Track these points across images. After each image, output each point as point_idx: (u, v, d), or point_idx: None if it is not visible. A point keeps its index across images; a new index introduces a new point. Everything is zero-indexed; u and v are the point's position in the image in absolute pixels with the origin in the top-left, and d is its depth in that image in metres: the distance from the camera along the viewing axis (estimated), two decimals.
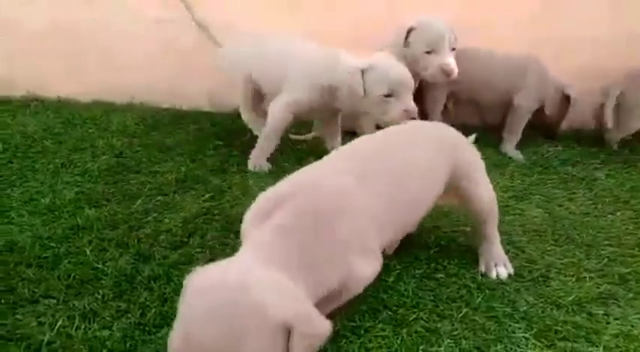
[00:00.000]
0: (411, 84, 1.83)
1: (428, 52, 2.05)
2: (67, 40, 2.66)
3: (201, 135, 2.34)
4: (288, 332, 0.78)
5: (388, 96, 1.77)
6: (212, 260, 1.31)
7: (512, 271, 1.40)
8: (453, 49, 2.06)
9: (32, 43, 2.67)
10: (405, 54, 2.04)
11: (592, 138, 2.51)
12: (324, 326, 0.83)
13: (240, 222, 1.50)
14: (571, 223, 1.71)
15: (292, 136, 2.31)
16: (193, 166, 2.00)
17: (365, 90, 1.78)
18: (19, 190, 1.73)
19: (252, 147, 2.05)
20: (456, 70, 2.02)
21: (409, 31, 2.07)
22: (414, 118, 1.76)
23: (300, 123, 2.22)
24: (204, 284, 0.82)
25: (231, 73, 2.20)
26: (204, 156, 2.11)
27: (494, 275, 1.38)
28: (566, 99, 2.36)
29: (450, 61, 2.03)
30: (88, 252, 1.38)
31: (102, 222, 1.54)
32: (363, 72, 1.78)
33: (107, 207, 1.64)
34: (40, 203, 1.65)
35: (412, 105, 1.79)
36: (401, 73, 1.80)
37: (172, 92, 2.67)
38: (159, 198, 1.73)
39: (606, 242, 1.60)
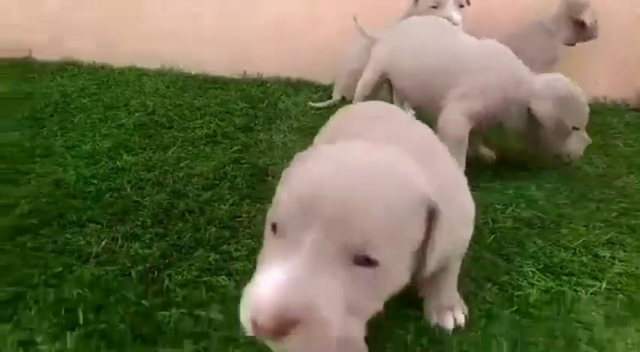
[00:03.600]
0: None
1: (434, 7, 2.10)
2: (101, 8, 2.78)
3: (229, 98, 2.44)
4: (427, 214, 0.69)
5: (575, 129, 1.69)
6: (242, 199, 1.43)
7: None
8: (462, 6, 2.09)
9: (67, 12, 2.79)
10: (416, 13, 2.10)
11: (613, 111, 2.54)
12: None
13: (267, 171, 1.61)
14: (585, 182, 1.77)
15: (313, 103, 2.39)
16: (222, 124, 2.10)
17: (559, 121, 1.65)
18: (61, 139, 1.86)
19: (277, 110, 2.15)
20: (458, 23, 2.05)
21: None
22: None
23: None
24: (326, 151, 0.71)
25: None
26: (231, 115, 2.21)
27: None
28: None
29: (453, 15, 2.07)
30: (128, 189, 1.50)
31: (139, 166, 1.66)
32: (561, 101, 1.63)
33: (143, 154, 1.75)
34: (81, 149, 1.77)
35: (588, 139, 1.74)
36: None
37: (200, 61, 2.77)
38: (190, 149, 1.83)
39: (618, 199, 1.65)
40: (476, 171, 1.77)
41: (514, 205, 1.56)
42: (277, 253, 0.63)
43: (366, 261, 0.62)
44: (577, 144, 1.73)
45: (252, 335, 0.61)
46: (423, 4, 2.12)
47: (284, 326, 0.57)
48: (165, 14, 2.82)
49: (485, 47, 1.72)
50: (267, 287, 0.58)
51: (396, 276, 0.68)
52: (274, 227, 0.67)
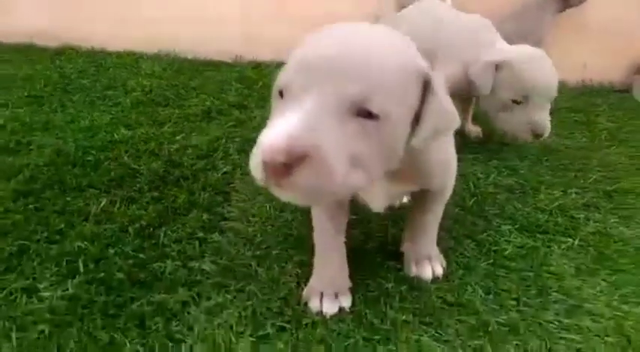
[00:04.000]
0: (553, 93, 1.55)
1: None
2: None
3: (223, 79, 2.49)
4: (421, 87, 0.74)
5: (515, 102, 1.54)
6: (234, 169, 1.49)
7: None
8: None
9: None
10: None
11: (598, 92, 2.61)
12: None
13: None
14: (566, 154, 1.83)
15: None
16: (217, 102, 2.16)
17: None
18: (60, 115, 1.92)
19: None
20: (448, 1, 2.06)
21: None
22: (539, 136, 1.55)
23: None
24: (328, 29, 0.74)
25: None
26: (226, 95, 2.27)
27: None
28: None
29: None
30: (125, 158, 1.56)
31: (135, 139, 1.72)
32: (496, 67, 1.54)
33: (140, 129, 1.81)
34: (80, 124, 1.83)
35: (544, 121, 1.53)
36: (545, 76, 1.52)
37: (196, 45, 2.82)
38: (185, 123, 1.89)
39: (597, 168, 1.71)
40: (461, 144, 1.84)
41: (496, 173, 1.63)
42: (284, 110, 0.67)
43: (367, 114, 0.67)
44: (519, 122, 1.55)
45: (262, 183, 0.66)
46: None
47: (291, 160, 0.61)
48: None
49: (457, 23, 1.75)
50: (276, 131, 0.63)
51: (396, 133, 0.72)
52: (281, 93, 0.71)
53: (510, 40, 2.26)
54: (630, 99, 2.55)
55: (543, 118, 1.54)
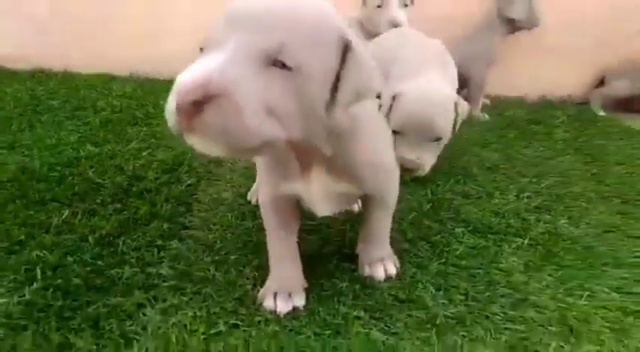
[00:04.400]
0: (427, 132, 1.49)
1: (379, 7, 2.19)
2: (70, 19, 2.88)
3: None
4: (341, 50, 0.76)
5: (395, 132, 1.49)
6: (198, 181, 1.53)
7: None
8: (406, 5, 2.21)
9: (37, 23, 2.89)
10: (365, 15, 2.24)
11: (558, 106, 2.72)
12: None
13: (225, 159, 1.71)
14: (523, 162, 1.91)
15: None
16: None
17: None
18: (28, 134, 1.94)
19: None
20: (402, 23, 2.13)
21: None
22: (408, 170, 1.51)
23: None
24: None
25: None
26: None
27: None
28: None
29: (396, 14, 2.14)
30: (90, 173, 1.59)
31: (102, 155, 1.75)
32: (394, 98, 1.52)
33: (106, 146, 1.84)
34: (46, 142, 1.85)
35: (412, 156, 1.50)
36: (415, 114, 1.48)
37: (168, 66, 2.87)
38: (153, 140, 1.93)
39: (551, 175, 1.79)
40: None
41: (453, 181, 1.68)
42: (201, 57, 0.69)
43: (281, 65, 0.69)
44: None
45: (176, 130, 0.67)
46: (370, 4, 2.24)
47: (202, 98, 0.63)
48: (135, 19, 2.92)
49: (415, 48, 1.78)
50: (189, 73, 0.65)
51: (311, 89, 0.73)
52: (201, 50, 0.73)
53: (465, 62, 2.38)
54: (588, 111, 2.66)
55: (411, 155, 1.49)
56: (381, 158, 1.04)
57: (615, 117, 2.52)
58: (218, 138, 0.66)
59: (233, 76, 0.65)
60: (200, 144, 0.68)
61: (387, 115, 1.51)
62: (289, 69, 0.70)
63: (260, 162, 1.05)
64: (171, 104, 0.66)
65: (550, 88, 2.89)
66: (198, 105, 0.63)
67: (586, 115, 2.57)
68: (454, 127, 1.52)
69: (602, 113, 2.60)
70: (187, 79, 0.64)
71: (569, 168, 1.86)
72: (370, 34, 2.16)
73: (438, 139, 1.49)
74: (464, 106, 1.52)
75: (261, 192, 1.07)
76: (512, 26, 2.47)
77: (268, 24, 0.69)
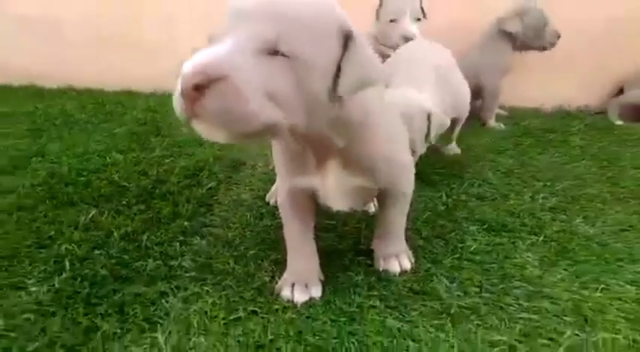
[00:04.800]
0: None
1: (392, 21, 2.25)
2: (98, 38, 3.02)
3: None
4: (343, 40, 0.79)
5: None
6: (218, 184, 1.58)
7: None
8: (418, 19, 2.26)
9: (68, 42, 3.04)
10: (379, 30, 2.30)
11: (576, 115, 2.72)
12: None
13: (244, 163, 1.77)
14: (538, 167, 1.92)
15: None
16: None
17: None
18: (57, 144, 2.02)
19: None
20: (414, 36, 2.18)
21: (379, 7, 2.32)
22: None
23: None
24: None
25: None
26: None
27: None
28: None
29: (409, 29, 2.20)
30: (116, 178, 1.65)
31: (127, 162, 1.82)
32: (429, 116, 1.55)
33: (131, 154, 1.92)
34: (75, 151, 1.93)
35: None
36: None
37: None
38: (175, 149, 2.00)
39: (566, 178, 1.79)
40: (438, 159, 1.94)
41: (467, 184, 1.71)
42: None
43: (281, 53, 0.73)
44: None
45: (180, 116, 0.71)
46: (383, 19, 2.31)
47: (204, 81, 0.67)
48: (160, 38, 3.05)
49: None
50: (193, 60, 0.69)
51: (312, 76, 0.76)
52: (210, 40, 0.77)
53: (478, 71, 2.42)
54: (605, 120, 2.65)
55: None
56: (395, 152, 1.08)
57: (632, 126, 2.51)
58: (220, 121, 0.70)
59: (233, 62, 0.69)
60: (205, 130, 0.72)
61: None
62: (287, 57, 0.73)
63: (278, 157, 1.10)
64: (176, 93, 0.70)
65: (567, 98, 2.90)
66: (200, 89, 0.67)
67: (603, 124, 2.57)
68: (426, 138, 1.54)
69: (619, 122, 2.60)
70: (190, 65, 0.68)
71: (584, 172, 1.86)
72: (384, 48, 2.21)
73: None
74: (438, 118, 1.55)
75: (280, 186, 1.12)
76: (514, 42, 2.48)
77: (268, 15, 0.73)
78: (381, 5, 2.33)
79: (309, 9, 0.77)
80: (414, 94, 1.57)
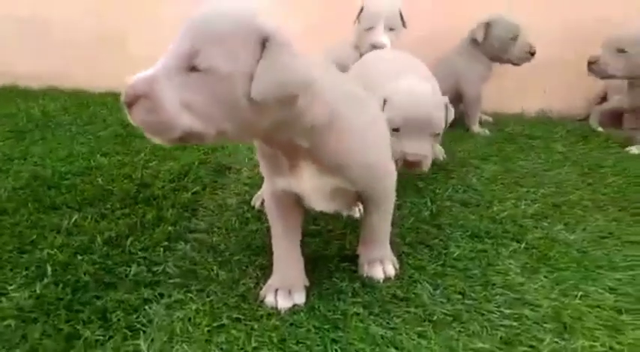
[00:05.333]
0: (425, 125, 1.52)
1: (368, 29, 2.26)
2: (86, 39, 3.00)
3: None
4: (262, 48, 0.82)
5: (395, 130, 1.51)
6: (203, 189, 1.58)
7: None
8: (392, 29, 2.26)
9: (52, 42, 3.01)
10: (356, 37, 2.32)
11: (558, 122, 2.76)
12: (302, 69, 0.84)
13: (230, 168, 1.77)
14: (522, 174, 1.94)
15: None
16: None
17: None
18: (40, 146, 2.00)
19: None
20: (384, 45, 2.18)
21: (360, 11, 2.34)
22: (413, 164, 1.49)
23: None
24: None
25: None
26: None
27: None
28: None
29: (378, 39, 2.20)
30: (99, 181, 1.64)
31: (111, 165, 1.81)
32: (384, 101, 1.56)
33: (115, 157, 1.91)
34: (59, 153, 1.92)
35: (414, 150, 1.49)
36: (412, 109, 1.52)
37: None
38: (160, 152, 1.98)
39: (548, 185, 1.82)
40: None
41: (451, 190, 1.72)
42: None
43: (195, 69, 0.80)
44: (394, 150, 1.39)
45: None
46: (360, 28, 2.33)
47: (132, 97, 0.79)
48: (145, 40, 3.02)
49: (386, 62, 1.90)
50: (130, 79, 0.80)
51: (228, 87, 0.81)
52: None
53: (459, 77, 2.46)
54: (587, 126, 2.69)
55: (415, 148, 1.49)
56: (370, 157, 1.07)
57: (612, 132, 2.56)
58: (147, 129, 0.81)
59: (155, 80, 0.79)
60: (146, 135, 0.83)
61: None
62: (203, 71, 0.80)
63: (259, 159, 1.11)
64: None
65: (549, 104, 2.94)
66: (130, 105, 0.80)
67: (585, 131, 2.61)
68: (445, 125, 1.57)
69: (599, 129, 2.64)
70: (127, 83, 0.80)
71: (565, 178, 1.89)
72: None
73: (436, 134, 1.54)
74: (451, 109, 1.58)
75: (264, 188, 1.15)
76: (482, 50, 2.49)
77: (188, 34, 0.81)
78: (360, 13, 2.35)
79: (225, 23, 0.81)
80: (424, 85, 1.59)
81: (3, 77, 3.05)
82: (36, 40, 3.05)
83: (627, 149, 2.26)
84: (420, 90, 1.56)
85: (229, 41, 0.81)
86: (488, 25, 2.44)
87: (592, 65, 2.27)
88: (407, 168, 1.49)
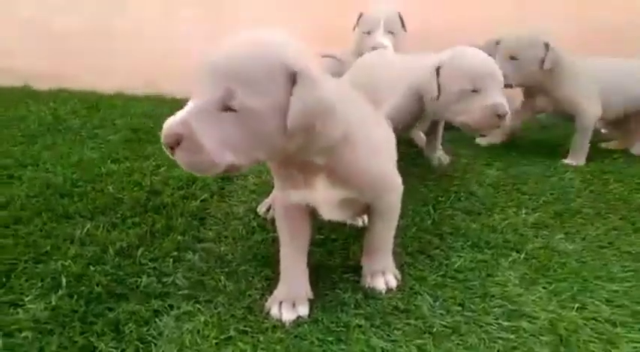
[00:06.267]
0: (500, 77, 1.61)
1: (366, 33, 2.32)
2: (92, 40, 3.04)
3: None
4: (292, 80, 0.88)
5: (473, 91, 1.59)
6: (211, 197, 1.62)
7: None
8: (391, 32, 2.31)
9: (62, 43, 3.05)
10: (355, 42, 2.35)
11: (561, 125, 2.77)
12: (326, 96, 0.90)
13: (237, 176, 1.81)
14: (524, 180, 1.97)
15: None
16: None
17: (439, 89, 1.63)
18: (52, 152, 2.05)
19: None
20: (385, 46, 2.24)
21: (359, 17, 2.36)
22: (501, 117, 1.57)
23: None
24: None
25: None
26: None
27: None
28: None
29: (378, 40, 2.27)
30: (110, 189, 1.69)
31: (121, 172, 1.85)
32: (438, 69, 1.63)
33: (125, 163, 1.95)
34: (69, 160, 1.96)
35: (503, 100, 1.57)
36: (484, 62, 1.62)
37: (186, 85, 3.00)
38: (168, 157, 2.02)
39: (550, 192, 1.85)
40: (426, 169, 1.99)
41: (454, 197, 1.75)
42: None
43: (229, 109, 0.85)
44: (481, 108, 1.62)
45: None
46: (359, 31, 2.36)
47: (172, 140, 0.85)
48: (153, 43, 3.06)
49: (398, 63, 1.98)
50: (169, 119, 0.87)
51: (262, 123, 0.88)
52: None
53: None
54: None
55: (502, 99, 1.58)
56: (380, 170, 1.14)
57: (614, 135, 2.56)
58: (191, 166, 0.89)
59: (193, 124, 0.85)
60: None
61: (442, 88, 1.63)
62: (237, 111, 0.86)
63: (273, 173, 1.17)
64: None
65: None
66: (173, 147, 0.86)
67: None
68: None
69: (603, 130, 2.64)
70: (165, 125, 0.86)
71: (567, 185, 1.92)
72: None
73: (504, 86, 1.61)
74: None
75: (276, 199, 1.20)
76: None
77: (219, 76, 0.86)
78: (359, 18, 2.38)
79: (257, 65, 0.87)
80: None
81: (12, 78, 3.10)
82: (42, 40, 3.09)
83: None
84: (473, 49, 1.65)
85: (262, 81, 0.87)
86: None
87: None
88: (495, 124, 1.59)
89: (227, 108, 0.86)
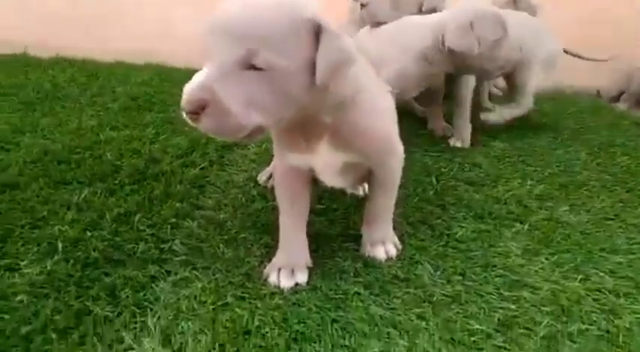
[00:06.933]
0: None
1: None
2: (92, 7, 2.97)
3: None
4: (314, 33, 0.85)
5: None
6: (211, 165, 1.59)
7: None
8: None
9: (62, 10, 2.99)
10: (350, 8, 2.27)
11: (569, 97, 2.72)
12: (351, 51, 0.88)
13: (236, 144, 1.78)
14: (529, 151, 1.94)
15: None
16: None
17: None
18: (49, 119, 2.02)
19: None
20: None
21: None
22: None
23: None
24: None
25: None
26: None
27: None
28: None
29: None
30: (109, 156, 1.66)
31: (120, 140, 1.82)
32: (472, 24, 1.64)
33: (124, 131, 1.92)
34: (68, 127, 1.94)
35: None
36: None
37: (185, 55, 2.94)
38: (167, 126, 2.00)
39: (555, 164, 1.82)
40: (429, 140, 1.96)
41: (457, 168, 1.73)
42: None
43: (254, 67, 0.81)
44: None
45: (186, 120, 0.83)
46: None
47: (196, 107, 0.79)
48: (153, 13, 3.00)
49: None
50: (188, 85, 0.81)
51: (287, 81, 0.84)
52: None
53: None
54: (599, 103, 2.65)
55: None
56: (383, 130, 1.11)
57: (625, 111, 2.52)
58: (216, 132, 0.84)
59: (216, 86, 0.80)
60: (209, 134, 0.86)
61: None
62: (262, 69, 0.81)
63: (273, 137, 1.13)
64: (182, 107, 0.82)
65: (563, 78, 2.87)
66: (196, 113, 0.80)
67: (597, 108, 2.58)
68: None
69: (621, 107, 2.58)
70: (186, 92, 0.80)
71: (574, 157, 1.89)
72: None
73: None
74: None
75: (276, 165, 1.17)
76: None
77: (238, 34, 0.81)
78: None
79: (273, 19, 0.82)
80: None
81: (11, 46, 3.05)
82: (41, 9, 3.03)
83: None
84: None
85: (287, 39, 0.83)
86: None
87: None
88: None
89: (250, 67, 0.81)
